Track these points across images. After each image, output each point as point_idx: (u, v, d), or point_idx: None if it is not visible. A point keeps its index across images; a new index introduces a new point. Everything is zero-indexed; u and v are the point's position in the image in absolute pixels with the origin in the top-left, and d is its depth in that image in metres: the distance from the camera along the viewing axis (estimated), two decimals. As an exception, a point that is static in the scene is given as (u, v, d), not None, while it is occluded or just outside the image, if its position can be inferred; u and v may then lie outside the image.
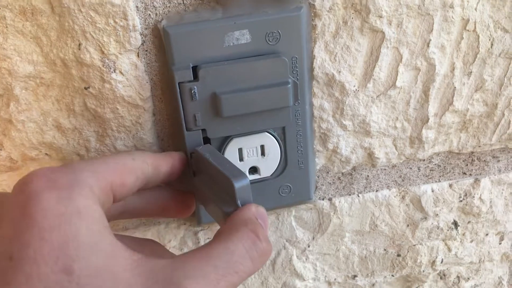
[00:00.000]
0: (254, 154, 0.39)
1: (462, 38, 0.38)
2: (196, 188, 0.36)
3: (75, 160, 0.38)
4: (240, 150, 0.38)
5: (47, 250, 0.22)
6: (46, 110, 0.35)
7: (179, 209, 0.37)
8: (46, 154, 0.37)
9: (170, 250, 0.42)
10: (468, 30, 0.38)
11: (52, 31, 0.33)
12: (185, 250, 0.43)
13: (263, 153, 0.39)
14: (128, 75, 0.35)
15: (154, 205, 0.36)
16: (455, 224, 0.47)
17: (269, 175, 0.40)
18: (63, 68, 0.34)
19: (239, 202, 0.31)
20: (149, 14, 0.34)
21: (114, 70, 0.34)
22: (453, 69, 0.39)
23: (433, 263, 0.48)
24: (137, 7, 0.33)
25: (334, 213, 0.44)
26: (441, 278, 0.50)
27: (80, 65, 0.34)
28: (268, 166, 0.39)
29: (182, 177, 0.35)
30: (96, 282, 0.23)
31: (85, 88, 0.35)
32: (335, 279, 0.47)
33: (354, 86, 0.38)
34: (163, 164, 0.33)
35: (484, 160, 0.45)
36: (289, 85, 0.35)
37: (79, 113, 0.36)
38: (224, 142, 0.37)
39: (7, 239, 0.23)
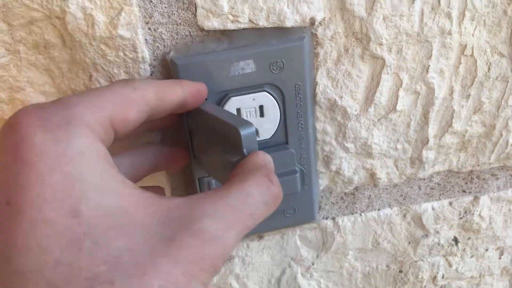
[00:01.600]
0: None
1: (460, 63, 0.39)
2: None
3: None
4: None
5: (50, 193, 0.20)
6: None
7: (170, 162, 0.35)
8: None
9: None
10: (466, 55, 0.39)
11: (64, 64, 0.34)
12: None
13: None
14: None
15: (144, 164, 0.33)
16: (456, 240, 0.48)
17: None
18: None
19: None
20: (158, 46, 0.35)
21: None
22: (452, 93, 0.40)
23: (434, 278, 0.49)
24: (146, 39, 0.34)
25: (337, 232, 0.45)
26: (442, 292, 0.51)
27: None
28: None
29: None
30: (107, 222, 0.21)
31: (96, 117, 0.36)
32: (339, 295, 0.48)
33: (355, 110, 0.39)
34: (170, 94, 0.29)
35: (483, 178, 0.46)
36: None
37: (90, 141, 0.37)
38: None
39: (2, 183, 0.21)
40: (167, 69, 0.36)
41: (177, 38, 0.35)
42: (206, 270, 0.22)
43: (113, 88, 0.26)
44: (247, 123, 0.30)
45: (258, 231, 0.43)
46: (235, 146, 0.30)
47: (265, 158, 0.29)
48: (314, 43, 0.37)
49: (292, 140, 0.39)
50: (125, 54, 0.34)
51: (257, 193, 0.26)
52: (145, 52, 0.34)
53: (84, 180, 0.21)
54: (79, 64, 0.34)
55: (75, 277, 0.20)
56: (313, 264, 0.46)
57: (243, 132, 0.29)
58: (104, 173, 0.22)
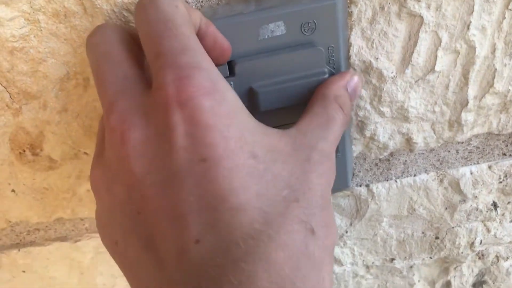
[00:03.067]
0: None
1: (504, 17, 0.37)
2: None
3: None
4: None
5: (233, 144, 0.25)
6: (82, 110, 0.35)
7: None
8: (85, 153, 0.37)
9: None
10: (510, 9, 0.36)
11: (86, 32, 0.33)
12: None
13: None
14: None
15: None
16: (495, 205, 0.46)
17: None
18: (98, 69, 0.34)
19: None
20: (182, 10, 0.33)
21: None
22: (494, 51, 0.38)
23: (472, 244, 0.48)
24: (170, 4, 0.32)
25: (371, 199, 0.43)
26: (479, 258, 0.49)
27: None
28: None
29: None
30: (272, 157, 0.26)
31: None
32: (373, 262, 0.47)
33: (392, 72, 0.37)
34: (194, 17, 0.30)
35: (525, 140, 0.44)
36: (326, 75, 0.35)
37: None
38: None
39: (189, 148, 0.25)
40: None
41: (202, 1, 0.33)
42: (333, 176, 0.30)
43: (186, 9, 0.28)
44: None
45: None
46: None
47: (346, 88, 0.34)
48: (348, 1, 0.34)
49: (325, 106, 0.37)
50: (148, 20, 0.32)
51: (338, 118, 0.32)
52: (169, 17, 0.33)
53: (248, 128, 0.26)
54: (101, 32, 0.32)
55: (273, 201, 0.25)
56: (346, 232, 0.45)
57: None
58: (251, 118, 0.28)
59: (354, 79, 0.34)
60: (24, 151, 0.37)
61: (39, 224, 0.40)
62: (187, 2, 0.33)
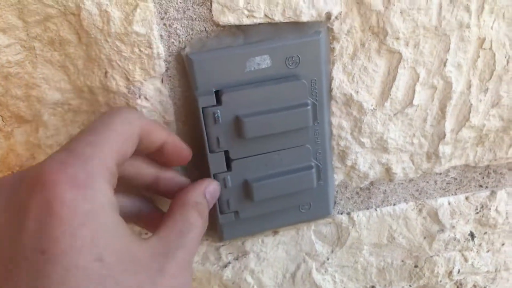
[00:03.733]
0: None
1: (478, 56, 0.39)
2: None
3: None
4: None
5: (80, 243, 0.24)
6: (74, 135, 0.36)
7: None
8: (74, 176, 0.38)
9: (194, 266, 0.43)
10: (484, 49, 0.38)
11: (79, 60, 0.34)
12: (207, 264, 0.44)
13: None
14: (152, 100, 0.36)
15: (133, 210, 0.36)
16: (472, 235, 0.47)
17: None
18: (90, 95, 0.35)
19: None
20: (173, 42, 0.35)
21: (139, 96, 0.35)
22: (470, 87, 0.40)
23: (450, 273, 0.49)
24: (161, 35, 0.34)
25: (352, 227, 0.45)
26: (458, 287, 0.50)
27: (106, 92, 0.35)
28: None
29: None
30: (122, 265, 0.26)
31: (111, 114, 0.36)
32: (353, 290, 0.48)
33: (371, 105, 0.39)
34: (156, 132, 0.32)
35: (500, 173, 0.46)
36: (309, 107, 0.36)
37: (105, 137, 0.37)
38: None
39: (35, 234, 0.24)
40: (182, 65, 0.35)
41: (192, 34, 0.35)
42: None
43: (113, 126, 0.29)
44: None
45: (273, 227, 0.43)
46: None
47: (205, 195, 0.35)
48: (330, 37, 0.36)
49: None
50: (140, 50, 0.34)
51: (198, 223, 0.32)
52: (160, 48, 0.34)
53: (106, 230, 0.26)
54: (94, 60, 0.34)
55: None
56: (328, 259, 0.46)
57: None
58: (117, 223, 0.27)
59: (212, 186, 0.36)
60: (13, 173, 0.37)
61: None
62: (178, 35, 0.34)
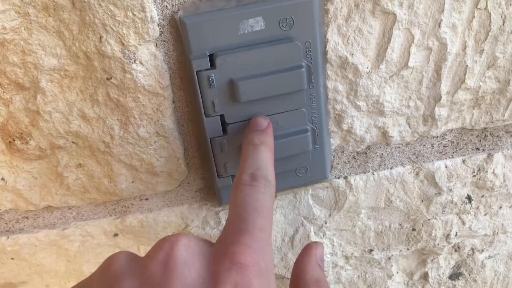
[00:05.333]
0: None
1: (473, 16, 0.38)
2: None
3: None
4: None
5: None
6: (71, 101, 0.37)
7: None
8: (73, 142, 0.39)
9: (192, 230, 0.44)
10: (479, 9, 0.38)
11: (74, 25, 0.34)
12: (207, 229, 0.45)
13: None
14: (147, 65, 0.36)
15: None
16: (469, 198, 0.48)
17: None
18: (86, 60, 0.35)
19: None
20: (166, 5, 0.35)
21: (135, 61, 0.36)
22: (465, 48, 0.40)
23: (447, 236, 0.49)
24: (154, -1, 0.34)
25: (349, 191, 0.45)
26: (455, 250, 0.51)
27: (101, 57, 0.35)
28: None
29: None
30: None
31: (107, 79, 0.36)
32: (352, 253, 0.49)
33: (367, 67, 0.39)
34: None
35: (497, 136, 0.46)
36: (303, 69, 0.36)
37: (102, 102, 0.37)
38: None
39: None
40: (176, 28, 0.36)
41: (185, -3, 0.35)
42: None
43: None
44: None
45: (271, 191, 0.43)
46: None
47: (320, 266, 0.35)
48: (324, -1, 0.36)
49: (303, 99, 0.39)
50: (133, 14, 0.34)
51: None
52: (153, 12, 0.34)
53: None
54: (88, 25, 0.34)
55: None
56: (325, 223, 0.46)
57: None
58: None
59: (320, 250, 0.35)
60: (14, 140, 0.38)
61: (28, 212, 0.42)
62: (170, -3, 0.34)
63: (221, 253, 0.27)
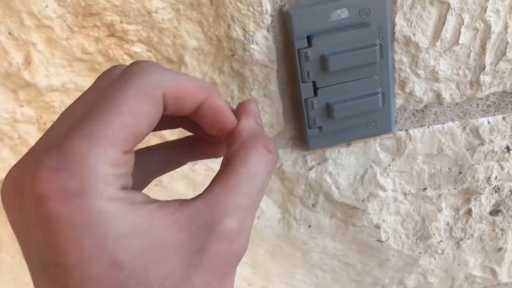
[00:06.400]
0: None
1: (513, 3, 0.49)
2: None
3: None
4: None
5: (88, 253, 0.23)
6: (205, 71, 0.51)
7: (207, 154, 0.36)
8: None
9: (286, 168, 0.57)
10: (518, -3, 0.49)
11: (210, 17, 0.48)
12: (297, 168, 0.58)
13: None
14: (261, 45, 0.49)
15: (178, 156, 0.35)
16: (508, 148, 0.59)
17: None
18: (217, 42, 0.49)
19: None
20: (276, 1, 0.48)
21: (252, 42, 0.49)
22: (506, 28, 0.50)
23: (488, 179, 0.61)
24: (268, -3, 0.47)
25: (409, 141, 0.57)
26: (495, 191, 0.62)
27: (229, 39, 0.49)
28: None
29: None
30: (144, 258, 0.23)
31: (232, 55, 0.50)
32: (409, 191, 0.61)
33: (425, 44, 0.51)
34: (189, 97, 0.28)
35: (533, 97, 0.56)
36: (377, 47, 0.49)
37: (227, 72, 0.51)
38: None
39: (44, 247, 0.23)
40: (283, 17, 0.48)
41: (291, -5, 0.47)
42: (234, 264, 0.26)
43: (120, 106, 0.24)
44: None
45: (347, 140, 0.56)
46: None
47: (256, 121, 0.31)
48: (394, -7, 0.48)
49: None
50: (253, 8, 0.47)
51: (262, 169, 0.28)
52: (268, 6, 0.47)
53: (114, 232, 0.23)
54: (221, 17, 0.48)
55: None
56: (389, 166, 0.59)
57: None
58: (129, 215, 0.23)
59: (254, 107, 0.32)
60: (162, 99, 0.53)
61: (167, 152, 0.57)
62: (279, -5, 0.47)
63: None
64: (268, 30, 0.49)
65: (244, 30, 0.48)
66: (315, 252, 0.65)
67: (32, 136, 0.52)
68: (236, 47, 0.49)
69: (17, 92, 0.50)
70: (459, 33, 0.50)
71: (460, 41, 0.51)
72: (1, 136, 0.52)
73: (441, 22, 0.50)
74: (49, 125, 0.51)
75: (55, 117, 0.50)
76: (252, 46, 0.49)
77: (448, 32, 0.50)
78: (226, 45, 0.49)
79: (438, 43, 0.51)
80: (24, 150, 0.52)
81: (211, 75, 0.51)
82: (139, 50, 0.49)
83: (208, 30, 0.49)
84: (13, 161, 0.51)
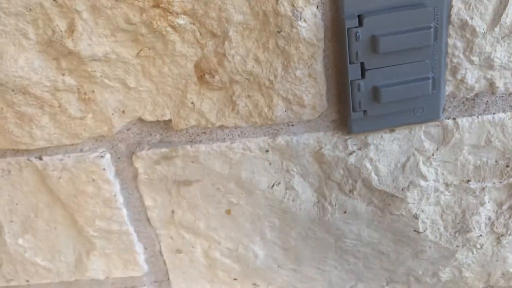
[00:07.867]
0: None
1: None
2: None
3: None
4: None
5: None
6: (249, 47, 0.49)
7: None
8: (246, 78, 0.52)
9: (325, 152, 0.56)
10: None
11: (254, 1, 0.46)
12: (337, 152, 0.57)
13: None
14: (309, 22, 0.47)
15: None
16: (561, 143, 0.56)
17: None
18: (263, 17, 0.47)
19: None
20: (328, -23, 0.46)
21: (300, 19, 0.47)
22: None
23: (537, 174, 0.58)
24: None
25: (456, 130, 0.55)
26: (543, 187, 0.60)
27: (276, 15, 0.47)
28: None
29: None
30: None
31: (278, 32, 0.48)
32: (451, 182, 0.59)
33: (483, 29, 0.48)
34: None
35: None
36: (432, 29, 0.46)
37: (271, 49, 0.49)
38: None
39: None
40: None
41: (344, -30, 0.45)
42: None
43: None
44: None
45: (392, 126, 0.54)
46: None
47: None
48: (454, -27, 0.45)
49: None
50: None
51: None
52: None
53: None
54: (269, -9, 0.46)
55: None
56: (433, 155, 0.57)
57: None
58: None
59: None
60: (204, 75, 0.51)
61: (206, 128, 0.56)
62: (332, -30, 0.45)
63: None
64: (317, 7, 0.47)
65: (293, 5, 0.46)
66: (349, 238, 0.64)
67: (72, 106, 0.52)
68: (283, 23, 0.48)
69: (59, 60, 0.50)
70: (521, 18, 0.47)
71: (521, 27, 0.48)
72: (41, 104, 0.51)
73: (502, 5, 0.47)
74: (89, 95, 0.50)
75: (95, 88, 0.49)
76: (299, 22, 0.47)
77: (509, 17, 0.47)
78: (273, 21, 0.48)
79: (496, 29, 0.48)
80: (64, 119, 0.52)
81: (255, 51, 0.50)
82: (183, 22, 0.48)
83: (255, 5, 0.47)
84: (52, 130, 0.51)
